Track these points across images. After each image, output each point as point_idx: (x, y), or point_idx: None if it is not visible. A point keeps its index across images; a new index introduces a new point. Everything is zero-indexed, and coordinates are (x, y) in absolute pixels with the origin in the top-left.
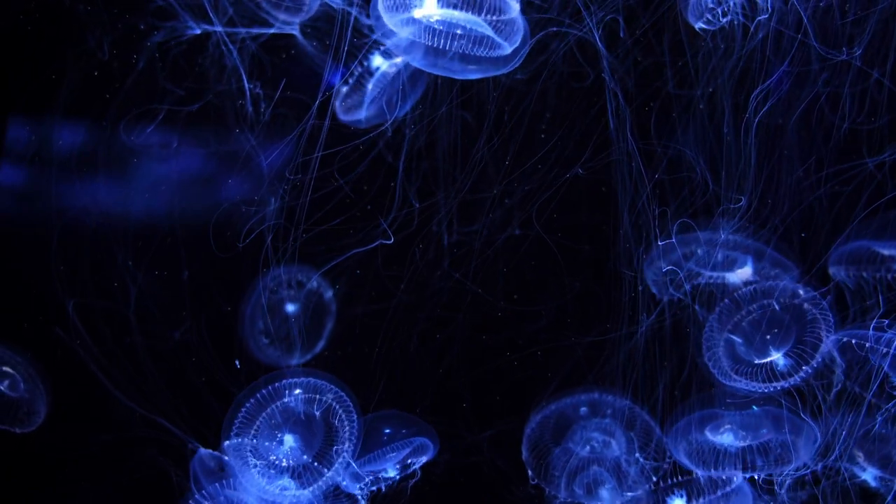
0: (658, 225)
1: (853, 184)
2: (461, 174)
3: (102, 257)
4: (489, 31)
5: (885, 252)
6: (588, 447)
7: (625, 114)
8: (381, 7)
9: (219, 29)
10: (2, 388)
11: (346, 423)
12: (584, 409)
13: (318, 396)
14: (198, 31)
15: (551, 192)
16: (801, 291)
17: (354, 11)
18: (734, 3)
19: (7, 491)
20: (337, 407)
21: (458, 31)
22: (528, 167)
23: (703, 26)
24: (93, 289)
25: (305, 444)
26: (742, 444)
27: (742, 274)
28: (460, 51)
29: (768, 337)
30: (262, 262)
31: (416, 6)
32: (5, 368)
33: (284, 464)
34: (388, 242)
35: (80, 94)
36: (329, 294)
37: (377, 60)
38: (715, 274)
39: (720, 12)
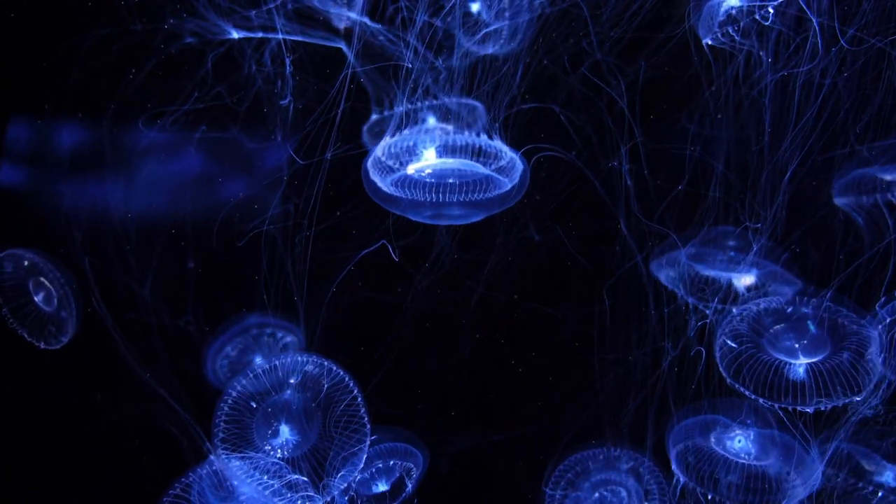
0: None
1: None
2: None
3: (116, 248)
4: (486, 170)
5: (888, 177)
6: (599, 498)
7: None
8: (370, 170)
9: (251, 35)
10: (37, 299)
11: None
12: (597, 464)
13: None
14: (234, 35)
15: (565, 197)
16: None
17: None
18: (742, 21)
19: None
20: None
21: (451, 180)
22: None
23: (711, 43)
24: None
25: (301, 436)
26: (749, 455)
27: (745, 281)
28: (461, 199)
29: (796, 345)
30: (267, 262)
31: (411, 161)
32: (42, 279)
33: (279, 454)
34: (393, 249)
35: (99, 88)
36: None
37: (431, 121)
38: (721, 275)
39: (730, 30)
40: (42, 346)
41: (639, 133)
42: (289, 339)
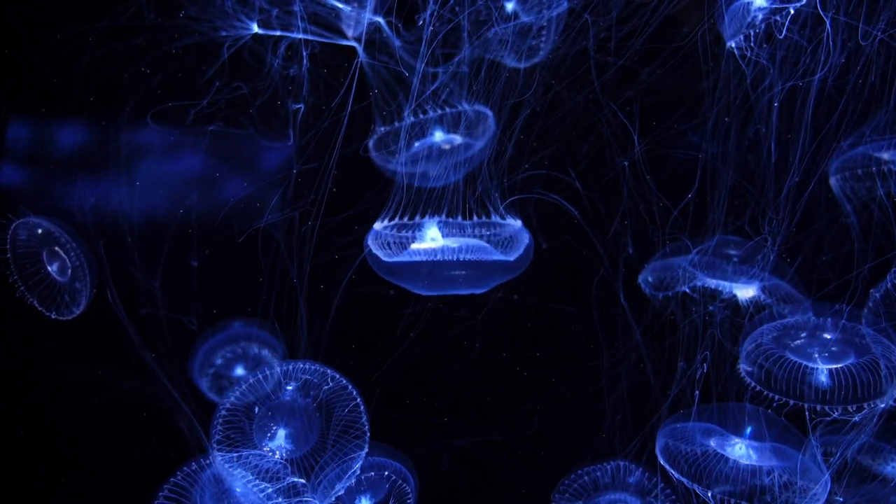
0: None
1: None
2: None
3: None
4: (493, 254)
5: (884, 156)
6: None
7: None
8: (375, 250)
9: (269, 33)
10: (51, 269)
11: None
12: (605, 480)
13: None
14: (254, 31)
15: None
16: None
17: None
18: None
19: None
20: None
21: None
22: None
23: (734, 46)
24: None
25: (299, 439)
26: (751, 460)
27: (746, 292)
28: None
29: (816, 354)
30: (268, 261)
31: (415, 240)
32: (57, 249)
33: (277, 456)
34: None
35: (109, 80)
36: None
37: (438, 135)
38: (721, 284)
39: (752, 35)
40: (54, 315)
41: (639, 143)
42: (274, 351)
